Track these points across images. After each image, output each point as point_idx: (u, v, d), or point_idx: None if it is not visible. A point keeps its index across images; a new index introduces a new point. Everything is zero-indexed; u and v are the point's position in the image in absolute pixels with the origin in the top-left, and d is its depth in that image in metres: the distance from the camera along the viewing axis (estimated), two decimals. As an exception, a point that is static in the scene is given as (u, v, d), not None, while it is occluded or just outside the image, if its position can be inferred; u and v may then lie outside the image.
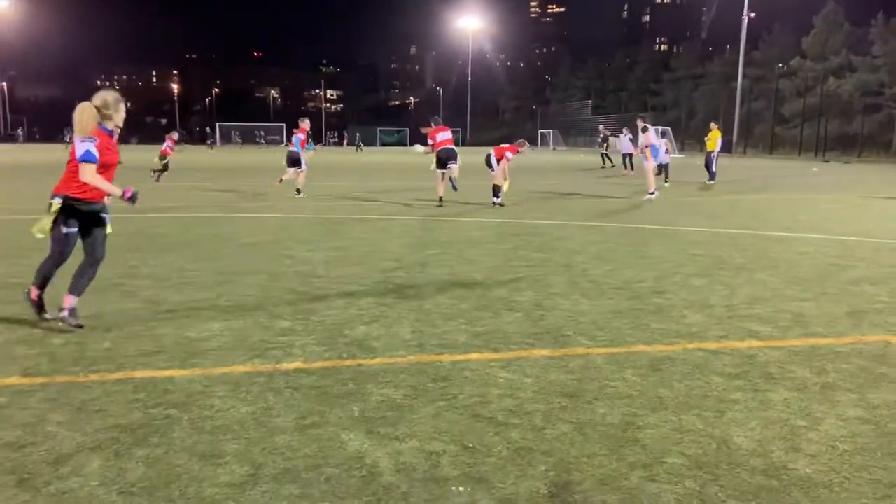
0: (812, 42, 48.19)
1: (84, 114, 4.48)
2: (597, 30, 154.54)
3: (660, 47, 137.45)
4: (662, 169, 19.52)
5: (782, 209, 13.46)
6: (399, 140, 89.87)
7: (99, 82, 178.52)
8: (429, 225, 10.65)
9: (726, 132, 46.87)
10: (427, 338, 4.63)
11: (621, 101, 76.07)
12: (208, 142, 55.71)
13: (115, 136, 4.74)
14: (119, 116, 4.67)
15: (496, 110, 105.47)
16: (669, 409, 3.47)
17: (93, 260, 4.74)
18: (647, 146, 15.44)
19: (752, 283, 6.43)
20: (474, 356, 4.26)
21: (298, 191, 15.10)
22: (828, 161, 35.70)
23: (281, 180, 15.37)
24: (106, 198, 4.74)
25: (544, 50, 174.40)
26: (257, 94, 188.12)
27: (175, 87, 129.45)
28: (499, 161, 13.72)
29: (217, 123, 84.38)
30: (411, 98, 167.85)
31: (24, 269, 6.26)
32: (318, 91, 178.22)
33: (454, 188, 13.99)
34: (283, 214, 11.77)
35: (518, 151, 13.76)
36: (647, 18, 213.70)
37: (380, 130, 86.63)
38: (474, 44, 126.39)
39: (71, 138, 4.66)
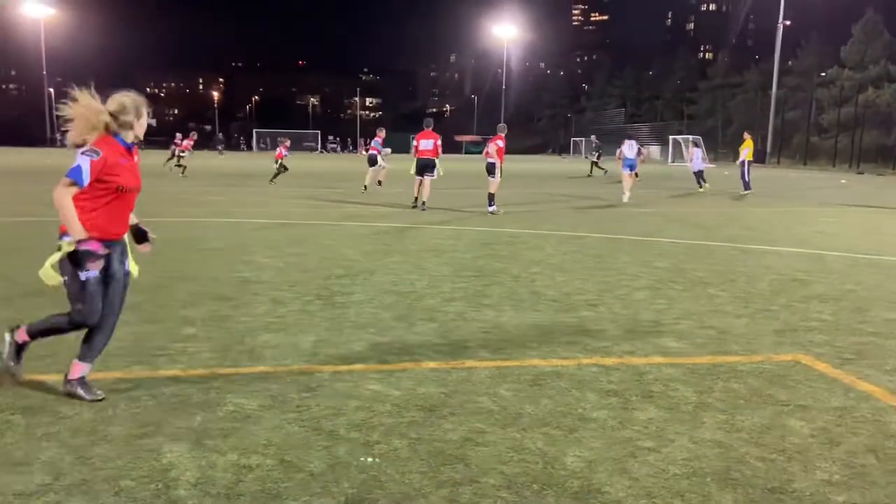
0: (850, 51, 46.78)
1: (85, 114, 3.43)
2: (640, 38, 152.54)
3: (704, 55, 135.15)
4: (697, 175, 21.27)
5: (780, 222, 13.07)
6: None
7: (148, 88, 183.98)
8: (405, 232, 10.63)
9: (759, 143, 45.94)
10: (325, 347, 4.60)
11: (657, 110, 75.00)
12: (218, 147, 55.98)
13: (137, 153, 3.65)
14: (141, 126, 3.59)
15: (531, 118, 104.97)
16: (521, 426, 3.36)
17: (109, 311, 3.67)
18: (619, 157, 17.89)
19: (696, 298, 6.24)
20: (357, 367, 4.21)
21: (380, 182, 18.83)
22: (861, 173, 34.56)
23: (365, 187, 18.40)
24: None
25: (585, 58, 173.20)
26: (298, 102, 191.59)
27: (219, 94, 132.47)
28: (501, 164, 13.74)
29: (255, 130, 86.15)
30: (447, 106, 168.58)
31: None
32: (357, 98, 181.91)
33: (423, 208, 13.98)
34: (266, 220, 11.87)
35: (502, 138, 14.00)
36: (690, 26, 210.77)
37: (412, 138, 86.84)
38: (514, 52, 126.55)
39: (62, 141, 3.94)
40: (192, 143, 26.44)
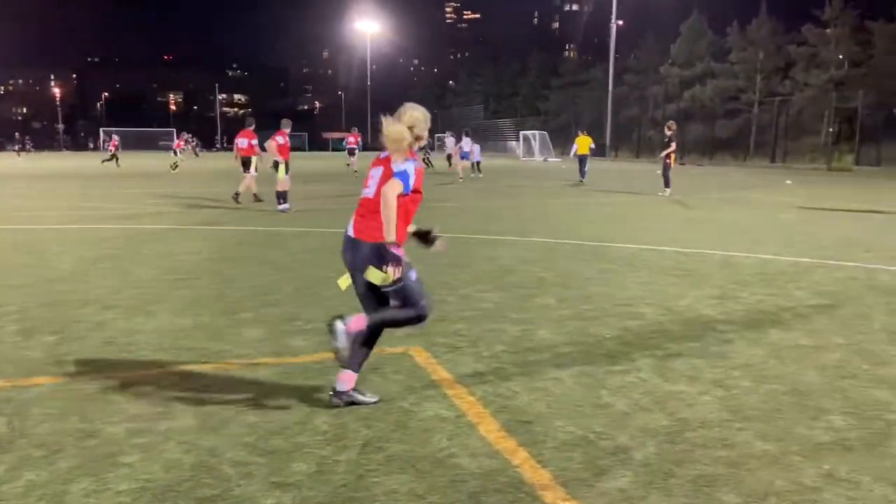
0: (679, 49, 50.25)
1: (399, 130, 3.49)
2: (510, 35, 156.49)
3: (569, 53, 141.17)
4: (474, 164, 26.99)
5: (559, 212, 13.62)
6: (298, 145, 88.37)
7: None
8: (161, 234, 10.02)
9: (601, 137, 48.54)
10: None
11: (516, 107, 77.25)
12: (16, 147, 51.90)
13: None
14: (425, 139, 3.65)
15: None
16: None
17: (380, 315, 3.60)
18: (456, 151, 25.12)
19: (383, 293, 6.20)
20: None
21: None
22: (683, 164, 37.21)
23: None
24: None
25: (459, 55, 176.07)
26: (159, 99, 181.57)
27: (69, 91, 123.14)
28: (286, 161, 13.40)
29: (101, 129, 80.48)
30: (316, 103, 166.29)
31: None
32: (224, 95, 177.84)
33: (236, 200, 14.65)
34: (8, 225, 10.89)
35: (283, 134, 13.65)
36: (556, 25, 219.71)
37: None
38: (386, 49, 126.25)
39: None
40: (183, 141, 35.55)
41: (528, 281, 6.77)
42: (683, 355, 4.45)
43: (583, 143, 23.16)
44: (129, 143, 76.83)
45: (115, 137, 34.87)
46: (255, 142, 15.33)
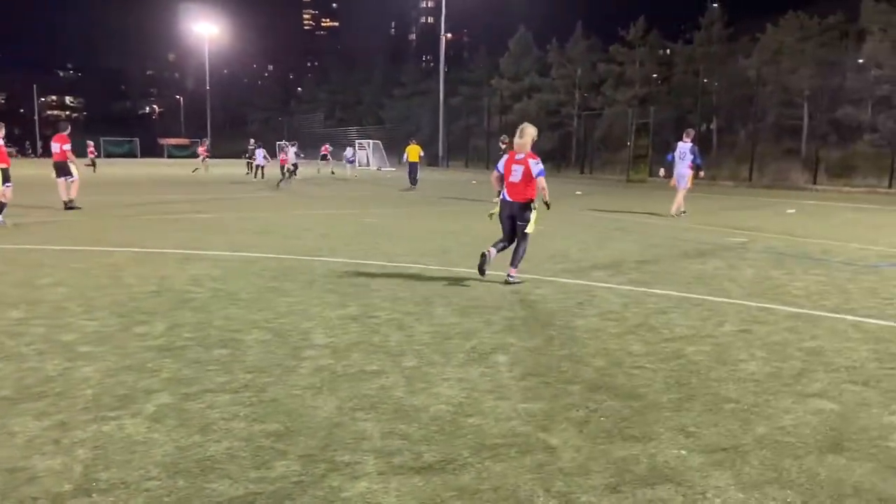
0: (507, 63, 52.02)
1: (528, 143, 7.07)
2: (367, 45, 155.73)
3: (427, 64, 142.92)
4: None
5: (318, 224, 13.21)
6: (129, 151, 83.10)
7: None
8: None
9: (436, 147, 49.25)
10: None
11: (360, 115, 76.83)
12: None
13: None
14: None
15: (244, 121, 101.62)
16: None
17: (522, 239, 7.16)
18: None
19: (-36, 326, 5.36)
20: None
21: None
22: (504, 174, 38.49)
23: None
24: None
25: (316, 63, 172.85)
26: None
27: None
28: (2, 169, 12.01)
29: None
30: (156, 107, 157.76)
31: None
32: (54, 97, 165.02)
33: (70, 207, 14.80)
34: None
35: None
36: (413, 36, 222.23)
37: (104, 140, 78.14)
38: (238, 54, 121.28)
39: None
40: (204, 148, 39.23)
41: (167, 303, 6.17)
42: (248, 388, 4.03)
43: (412, 152, 24.75)
44: None
45: (91, 143, 40.13)
46: (67, 146, 15.05)
